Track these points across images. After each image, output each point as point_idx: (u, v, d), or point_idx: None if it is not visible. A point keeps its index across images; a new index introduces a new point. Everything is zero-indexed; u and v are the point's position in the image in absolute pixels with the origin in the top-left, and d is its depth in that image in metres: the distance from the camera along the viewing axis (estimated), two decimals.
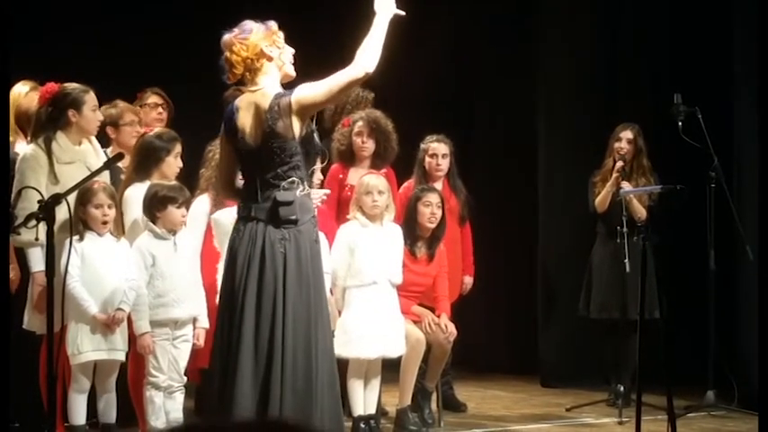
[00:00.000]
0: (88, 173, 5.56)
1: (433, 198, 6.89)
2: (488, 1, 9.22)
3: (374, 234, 6.54)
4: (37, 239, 5.25)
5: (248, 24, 5.13)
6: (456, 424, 7.15)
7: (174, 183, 6.15)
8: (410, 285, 6.77)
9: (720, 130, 7.66)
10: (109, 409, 6.00)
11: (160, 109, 7.21)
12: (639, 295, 5.94)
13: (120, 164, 6.22)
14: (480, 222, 7.72)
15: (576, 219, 8.17)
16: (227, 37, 5.12)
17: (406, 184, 7.27)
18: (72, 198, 5.37)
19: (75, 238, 5.66)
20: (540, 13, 8.81)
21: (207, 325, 6.06)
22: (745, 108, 7.69)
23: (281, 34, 5.16)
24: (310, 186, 5.16)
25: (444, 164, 7.34)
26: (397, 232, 6.67)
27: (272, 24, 5.16)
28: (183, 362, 6.06)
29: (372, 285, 6.49)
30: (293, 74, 5.20)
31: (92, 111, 6.13)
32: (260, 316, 4.98)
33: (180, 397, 6.07)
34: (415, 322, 6.78)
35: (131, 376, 6.09)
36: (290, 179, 5.03)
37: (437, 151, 7.32)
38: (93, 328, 5.87)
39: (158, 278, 5.98)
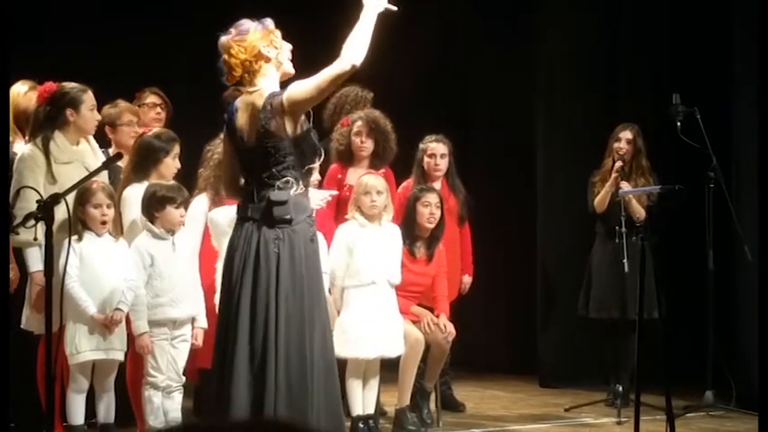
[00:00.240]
0: (86, 173, 5.56)
1: (432, 198, 6.89)
2: (488, 1, 9.21)
3: (373, 234, 6.54)
4: (35, 239, 5.26)
5: (245, 24, 5.12)
6: (454, 424, 7.15)
7: (172, 183, 6.15)
8: (409, 285, 6.77)
9: (719, 131, 7.66)
10: (107, 409, 6.00)
11: (158, 109, 7.21)
12: (638, 295, 5.94)
13: (118, 163, 6.22)
14: (480, 222, 7.72)
15: (576, 219, 8.17)
16: (224, 39, 5.10)
17: (404, 184, 7.26)
18: (71, 198, 5.37)
19: (74, 237, 5.67)
20: (539, 13, 8.79)
21: (205, 325, 6.07)
22: (744, 108, 7.68)
23: (278, 33, 5.14)
24: (306, 186, 5.15)
25: (443, 164, 7.33)
26: (395, 232, 6.66)
27: (269, 23, 5.14)
28: (182, 362, 6.06)
29: (371, 285, 6.49)
30: (292, 71, 5.18)
31: (90, 110, 6.12)
32: (254, 316, 4.98)
33: (178, 397, 6.07)
34: (413, 322, 6.77)
35: (130, 376, 6.09)
36: (285, 179, 5.02)
37: (436, 151, 7.31)
38: (91, 328, 5.87)
39: (157, 278, 5.98)
